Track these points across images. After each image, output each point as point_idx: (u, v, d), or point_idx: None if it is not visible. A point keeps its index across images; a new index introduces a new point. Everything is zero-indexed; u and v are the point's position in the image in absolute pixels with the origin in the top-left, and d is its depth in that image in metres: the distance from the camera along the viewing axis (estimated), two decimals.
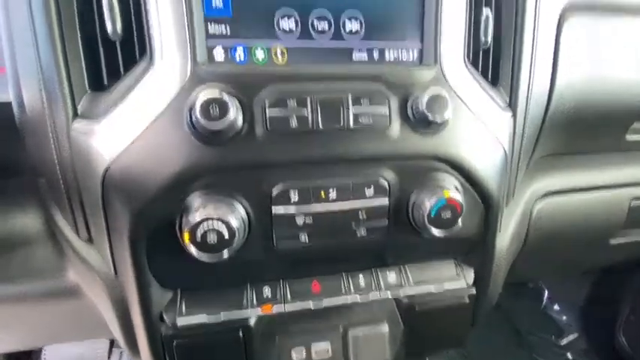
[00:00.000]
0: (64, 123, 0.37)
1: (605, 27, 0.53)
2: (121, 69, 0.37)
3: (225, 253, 0.35)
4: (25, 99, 0.38)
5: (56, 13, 0.35)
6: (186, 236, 0.34)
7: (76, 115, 0.37)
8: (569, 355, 1.19)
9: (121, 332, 0.42)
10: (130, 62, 0.37)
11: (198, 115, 0.32)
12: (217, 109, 0.33)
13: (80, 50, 0.37)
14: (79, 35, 0.37)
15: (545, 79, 0.49)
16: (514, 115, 0.47)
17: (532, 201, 0.57)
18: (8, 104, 0.39)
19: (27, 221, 0.49)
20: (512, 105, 0.47)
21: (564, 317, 1.33)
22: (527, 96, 0.48)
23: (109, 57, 0.37)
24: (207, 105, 0.33)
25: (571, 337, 1.26)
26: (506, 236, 0.52)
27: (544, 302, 1.37)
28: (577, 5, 0.51)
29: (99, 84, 0.38)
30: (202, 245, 0.34)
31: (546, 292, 1.36)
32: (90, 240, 0.41)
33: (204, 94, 0.33)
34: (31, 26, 0.35)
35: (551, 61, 0.49)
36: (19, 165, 0.44)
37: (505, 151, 0.45)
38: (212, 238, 0.34)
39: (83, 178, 0.38)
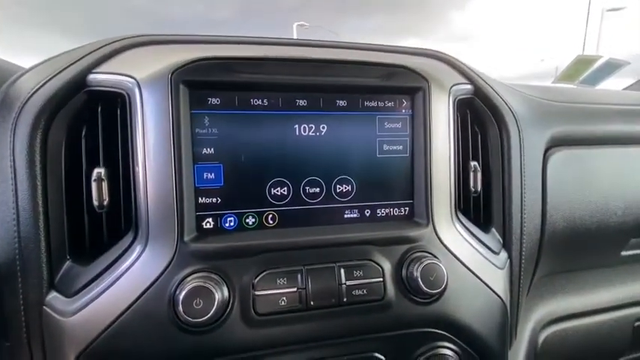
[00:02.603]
0: (38, 297, 0.35)
1: (586, 156, 0.56)
2: (105, 240, 0.36)
3: None
4: (2, 262, 0.36)
5: (42, 179, 0.34)
6: None
7: (52, 286, 0.35)
8: None
9: None
10: (115, 233, 0.36)
11: (181, 310, 0.30)
12: (202, 301, 0.31)
13: (64, 219, 0.36)
14: (64, 204, 0.36)
15: (536, 213, 0.49)
16: (510, 256, 0.46)
17: (536, 332, 0.55)
18: None
19: None
20: (506, 246, 0.47)
21: None
22: (521, 234, 0.47)
23: (93, 227, 0.36)
24: (191, 298, 0.31)
25: None
26: None
27: None
28: (559, 141, 0.53)
29: (81, 252, 0.36)
30: None
31: None
32: None
33: (190, 284, 0.31)
34: (13, 189, 0.34)
35: (540, 194, 0.50)
36: None
37: (503, 301, 0.43)
38: None
39: (53, 358, 0.35)
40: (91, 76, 0.35)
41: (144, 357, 0.32)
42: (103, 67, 0.35)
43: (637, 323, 0.62)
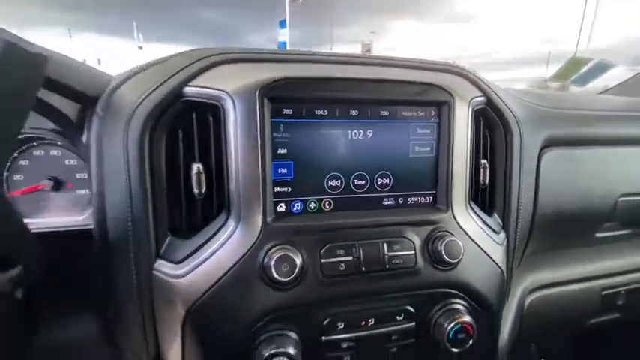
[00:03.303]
0: (148, 264, 0.45)
1: (573, 155, 0.67)
2: (199, 220, 0.46)
3: None
4: (111, 234, 0.45)
5: (149, 171, 0.44)
6: None
7: (158, 255, 0.45)
8: None
9: None
10: (208, 215, 0.46)
11: (273, 272, 0.41)
12: (287, 266, 0.42)
13: (165, 203, 0.45)
14: (165, 191, 0.45)
15: (529, 202, 0.61)
16: (507, 236, 0.58)
17: (524, 296, 0.68)
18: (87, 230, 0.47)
19: (85, 330, 0.55)
20: (505, 227, 0.58)
21: None
22: (517, 218, 0.59)
23: (189, 210, 0.46)
24: (279, 262, 0.41)
25: None
26: (504, 333, 0.61)
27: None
28: (551, 142, 0.64)
29: (177, 230, 0.46)
30: None
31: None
32: (157, 357, 0.48)
33: (277, 253, 0.42)
34: (126, 178, 0.43)
35: (534, 187, 0.62)
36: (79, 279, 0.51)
37: (501, 269, 0.55)
38: None
39: (162, 313, 0.45)
40: (187, 89, 0.44)
41: (240, 309, 0.43)
42: (198, 81, 0.44)
43: (604, 292, 0.76)
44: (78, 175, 0.58)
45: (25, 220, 0.38)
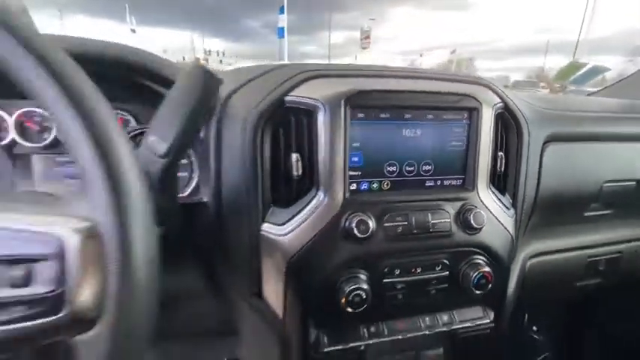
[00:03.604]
0: (257, 226, 0.61)
1: (569, 149, 0.83)
2: (294, 195, 0.62)
3: (362, 308, 0.59)
4: (227, 205, 0.61)
5: (260, 158, 0.59)
6: (343, 299, 0.58)
7: (263, 220, 0.61)
8: None
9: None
10: (302, 191, 0.61)
11: (355, 231, 0.57)
12: (363, 227, 0.58)
13: (269, 181, 0.61)
14: (269, 173, 0.61)
15: (533, 186, 0.78)
16: (515, 212, 0.75)
17: (525, 261, 0.85)
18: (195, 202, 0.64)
19: (194, 279, 0.72)
20: (514, 205, 0.75)
21: (539, 337, 1.63)
22: (523, 199, 0.76)
23: (288, 186, 0.62)
24: (358, 225, 0.58)
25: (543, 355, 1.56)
26: (511, 287, 0.79)
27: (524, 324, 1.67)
28: (552, 138, 0.80)
29: (276, 202, 0.62)
30: (351, 304, 0.58)
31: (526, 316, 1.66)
32: (259, 295, 0.64)
33: (356, 218, 0.58)
34: (243, 163, 0.59)
35: (537, 174, 0.78)
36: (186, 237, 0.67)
37: (512, 237, 0.73)
38: (358, 300, 0.58)
39: (267, 262, 0.62)
40: (288, 98, 0.59)
41: (327, 258, 0.59)
42: (296, 92, 0.59)
43: (589, 259, 0.94)
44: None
45: None
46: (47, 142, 0.66)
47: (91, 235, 0.26)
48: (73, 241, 0.26)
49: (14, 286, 0.25)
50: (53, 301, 0.25)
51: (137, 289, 0.27)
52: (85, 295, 0.26)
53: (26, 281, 0.25)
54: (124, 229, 0.26)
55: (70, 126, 0.27)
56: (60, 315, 0.25)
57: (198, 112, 0.46)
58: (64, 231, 0.26)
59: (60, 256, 0.25)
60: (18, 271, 0.25)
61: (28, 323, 0.25)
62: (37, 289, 0.25)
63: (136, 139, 0.69)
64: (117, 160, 0.27)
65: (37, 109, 0.65)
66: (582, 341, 1.40)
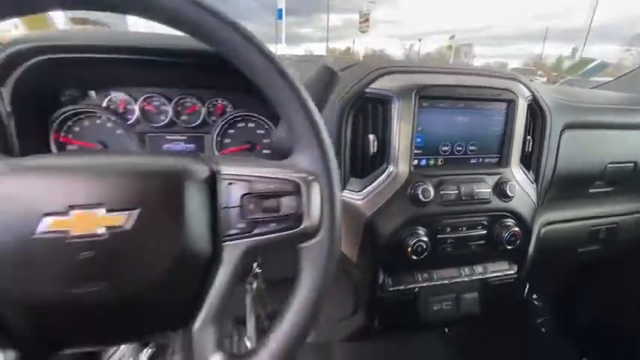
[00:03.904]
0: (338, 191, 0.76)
1: (581, 135, 1.00)
2: (370, 167, 0.77)
3: (422, 255, 0.76)
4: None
5: (344, 137, 0.74)
6: (409, 249, 0.75)
7: (344, 188, 0.77)
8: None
9: (353, 298, 0.82)
10: (376, 164, 0.77)
11: (420, 196, 0.74)
12: (425, 193, 0.74)
13: (349, 156, 0.76)
14: (350, 149, 0.76)
15: (551, 165, 0.94)
16: (537, 186, 0.92)
17: (540, 228, 1.03)
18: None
19: None
20: (536, 180, 0.92)
21: (539, 304, 1.84)
22: (543, 176, 0.93)
23: (364, 161, 0.77)
24: (422, 192, 0.74)
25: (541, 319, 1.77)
26: (531, 247, 0.97)
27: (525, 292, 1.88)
28: (569, 125, 0.96)
29: (355, 173, 0.78)
30: (415, 252, 0.75)
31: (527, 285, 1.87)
32: None
33: (421, 186, 0.74)
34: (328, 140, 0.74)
35: (555, 155, 0.95)
36: None
37: (535, 205, 0.90)
38: (420, 250, 0.75)
39: (347, 221, 0.78)
40: (368, 89, 0.74)
41: (396, 217, 0.75)
42: (374, 85, 0.74)
43: (591, 228, 1.12)
44: (264, 140, 0.88)
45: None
46: (165, 122, 0.80)
47: (313, 179, 0.42)
48: (303, 183, 0.41)
49: (266, 211, 0.41)
50: (294, 220, 0.41)
51: (337, 212, 0.43)
52: (312, 216, 0.41)
53: (277, 208, 0.41)
54: (329, 173, 0.42)
55: (298, 112, 0.42)
56: (298, 229, 0.41)
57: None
58: (297, 176, 0.41)
59: (297, 192, 0.41)
60: (271, 202, 0.41)
61: (277, 234, 0.41)
62: (285, 211, 0.41)
63: (235, 123, 0.84)
64: (322, 131, 0.43)
65: (155, 95, 0.79)
66: (575, 308, 1.61)
